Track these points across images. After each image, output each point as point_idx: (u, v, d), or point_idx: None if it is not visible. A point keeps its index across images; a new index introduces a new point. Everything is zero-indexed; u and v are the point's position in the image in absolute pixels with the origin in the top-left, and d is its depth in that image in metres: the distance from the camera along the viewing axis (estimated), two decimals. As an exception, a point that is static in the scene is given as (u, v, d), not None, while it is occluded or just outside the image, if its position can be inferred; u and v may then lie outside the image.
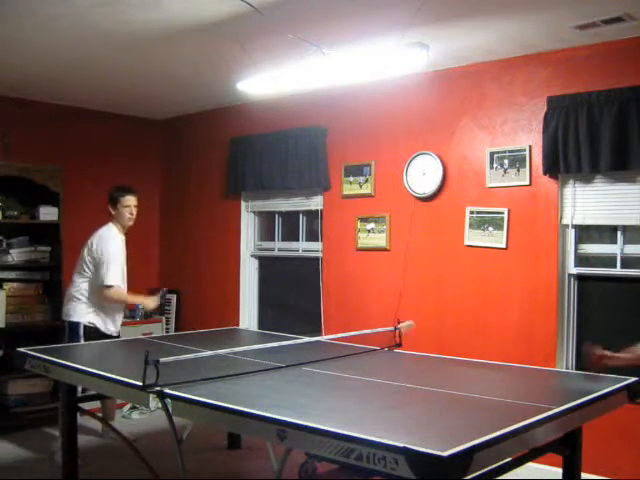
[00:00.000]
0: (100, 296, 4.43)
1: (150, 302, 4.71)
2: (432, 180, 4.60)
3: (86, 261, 4.47)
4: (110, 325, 4.56)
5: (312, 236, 5.51)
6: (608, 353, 3.02)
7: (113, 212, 4.53)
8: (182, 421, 2.92)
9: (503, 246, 4.30)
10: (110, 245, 4.43)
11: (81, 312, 4.45)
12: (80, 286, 4.48)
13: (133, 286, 6.21)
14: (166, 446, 3.09)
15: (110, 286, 4.37)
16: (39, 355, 3.56)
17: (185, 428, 3.23)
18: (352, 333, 3.99)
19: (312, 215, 5.50)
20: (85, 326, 4.44)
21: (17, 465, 4.31)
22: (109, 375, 3.05)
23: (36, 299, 5.33)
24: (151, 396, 2.74)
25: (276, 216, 5.80)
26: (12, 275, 5.24)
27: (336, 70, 3.91)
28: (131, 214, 4.55)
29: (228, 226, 5.98)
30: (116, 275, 4.41)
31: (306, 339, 4.16)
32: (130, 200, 4.52)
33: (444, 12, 3.48)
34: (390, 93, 4.83)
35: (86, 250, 4.50)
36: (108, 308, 4.52)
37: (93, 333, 4.43)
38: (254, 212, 5.93)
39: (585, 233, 4.14)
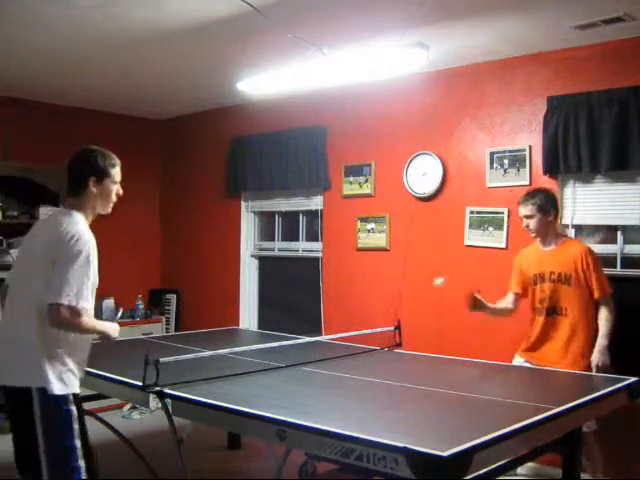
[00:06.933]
0: (53, 324, 2.46)
1: (114, 330, 2.73)
2: (432, 180, 4.60)
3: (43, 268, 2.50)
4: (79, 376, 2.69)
5: (312, 236, 5.51)
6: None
7: (94, 190, 2.68)
8: (182, 421, 2.92)
9: (503, 246, 4.30)
10: (88, 245, 2.55)
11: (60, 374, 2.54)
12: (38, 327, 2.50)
13: (133, 286, 6.26)
14: (166, 446, 3.08)
15: (81, 309, 2.47)
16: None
17: (185, 428, 3.23)
18: (352, 333, 3.99)
19: (312, 215, 5.50)
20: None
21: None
22: (109, 375, 3.06)
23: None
24: (151, 396, 2.75)
25: (276, 216, 5.80)
26: (12, 275, 5.24)
27: (336, 70, 3.90)
28: (118, 194, 2.80)
29: (228, 226, 5.98)
30: (88, 293, 2.53)
31: (306, 339, 4.17)
32: (118, 174, 2.81)
33: (444, 12, 3.48)
34: (390, 93, 4.83)
35: (43, 248, 2.56)
36: (79, 350, 2.66)
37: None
38: (254, 212, 5.93)
39: (585, 233, 4.14)
